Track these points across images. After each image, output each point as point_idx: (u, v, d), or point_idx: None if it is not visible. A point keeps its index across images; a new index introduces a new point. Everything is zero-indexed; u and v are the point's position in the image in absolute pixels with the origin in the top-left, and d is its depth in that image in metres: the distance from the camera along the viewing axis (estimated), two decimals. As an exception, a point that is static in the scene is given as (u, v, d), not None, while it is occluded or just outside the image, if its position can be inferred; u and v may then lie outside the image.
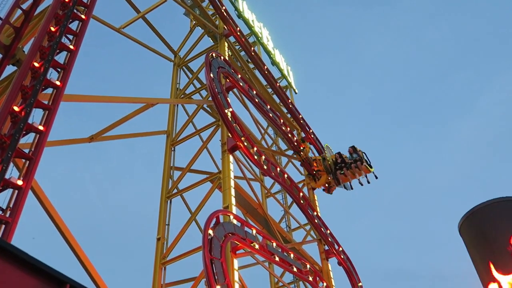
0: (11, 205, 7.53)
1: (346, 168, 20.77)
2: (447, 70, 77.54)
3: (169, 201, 15.56)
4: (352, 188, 21.95)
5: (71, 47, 10.35)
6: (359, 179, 21.16)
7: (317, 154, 22.21)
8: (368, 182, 20.98)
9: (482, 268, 23.40)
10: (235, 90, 17.36)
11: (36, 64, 9.28)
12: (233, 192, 13.24)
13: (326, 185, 20.98)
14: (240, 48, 21.51)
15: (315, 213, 17.86)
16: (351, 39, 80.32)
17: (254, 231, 12.59)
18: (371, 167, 20.97)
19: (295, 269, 13.91)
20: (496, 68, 75.21)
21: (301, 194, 17.23)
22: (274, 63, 25.44)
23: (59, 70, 9.90)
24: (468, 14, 77.12)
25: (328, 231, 17.97)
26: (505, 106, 70.60)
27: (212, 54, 16.48)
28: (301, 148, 20.52)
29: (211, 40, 20.54)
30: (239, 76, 17.46)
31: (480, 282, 23.45)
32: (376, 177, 21.11)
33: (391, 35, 79.32)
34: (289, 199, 20.77)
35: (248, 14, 23.93)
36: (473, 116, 74.03)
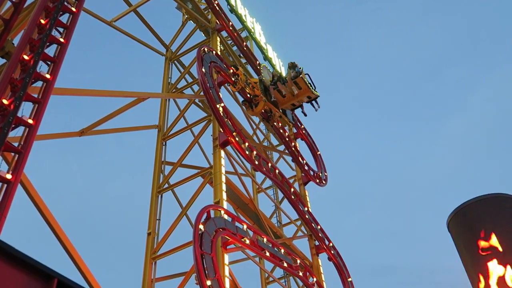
0: (-1, 199, 7.46)
1: (281, 83, 17.65)
2: (438, 67, 77.95)
3: (160, 196, 15.52)
4: (293, 122, 19.41)
5: (62, 40, 10.24)
6: (302, 107, 18.25)
7: None
8: (316, 109, 18.01)
9: (469, 262, 23.73)
10: (227, 85, 17.32)
11: (25, 57, 9.17)
12: (224, 187, 13.22)
13: (267, 114, 18.13)
14: (232, 42, 21.44)
15: (306, 209, 17.91)
16: (343, 35, 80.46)
17: (245, 226, 12.60)
18: (314, 89, 17.55)
19: (285, 264, 13.94)
20: (488, 65, 75.76)
21: (292, 189, 17.26)
22: (266, 58, 25.38)
23: (49, 63, 9.79)
24: (459, 11, 77.49)
25: (319, 227, 18.04)
26: (496, 104, 71.25)
27: (204, 49, 16.40)
28: (234, 74, 17.01)
29: (203, 35, 20.46)
30: (231, 71, 17.41)
31: (467, 275, 23.77)
32: (318, 106, 17.99)
33: (382, 31, 79.52)
34: (280, 195, 20.81)
35: (241, 9, 23.84)
36: (464, 113, 74.56)
